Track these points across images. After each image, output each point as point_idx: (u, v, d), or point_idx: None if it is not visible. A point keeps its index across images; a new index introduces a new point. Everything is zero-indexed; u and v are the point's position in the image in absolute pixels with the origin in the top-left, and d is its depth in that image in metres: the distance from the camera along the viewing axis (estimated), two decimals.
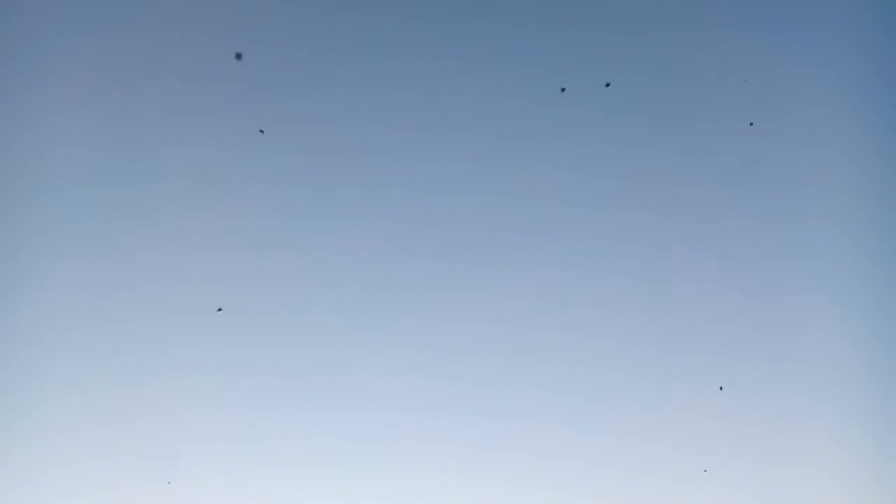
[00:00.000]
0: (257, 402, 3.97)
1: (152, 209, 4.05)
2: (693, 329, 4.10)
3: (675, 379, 4.05)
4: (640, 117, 4.27)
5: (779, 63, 4.27)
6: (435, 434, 3.99)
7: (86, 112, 4.07)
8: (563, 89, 3.66)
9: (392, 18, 4.25)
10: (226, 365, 3.97)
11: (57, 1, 4.10)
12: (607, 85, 3.55)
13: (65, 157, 4.03)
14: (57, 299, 3.93)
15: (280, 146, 4.15)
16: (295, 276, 4.08)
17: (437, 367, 4.05)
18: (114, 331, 3.93)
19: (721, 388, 3.89)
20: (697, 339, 4.09)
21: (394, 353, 4.06)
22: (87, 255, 3.97)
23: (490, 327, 4.10)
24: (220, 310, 3.81)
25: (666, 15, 4.31)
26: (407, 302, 4.10)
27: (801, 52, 4.27)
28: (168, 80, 4.13)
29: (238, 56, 3.59)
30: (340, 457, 3.95)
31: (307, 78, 4.21)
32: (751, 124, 3.96)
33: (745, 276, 4.15)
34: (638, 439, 3.99)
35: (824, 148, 4.20)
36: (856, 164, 4.16)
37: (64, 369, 3.87)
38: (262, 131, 3.79)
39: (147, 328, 3.96)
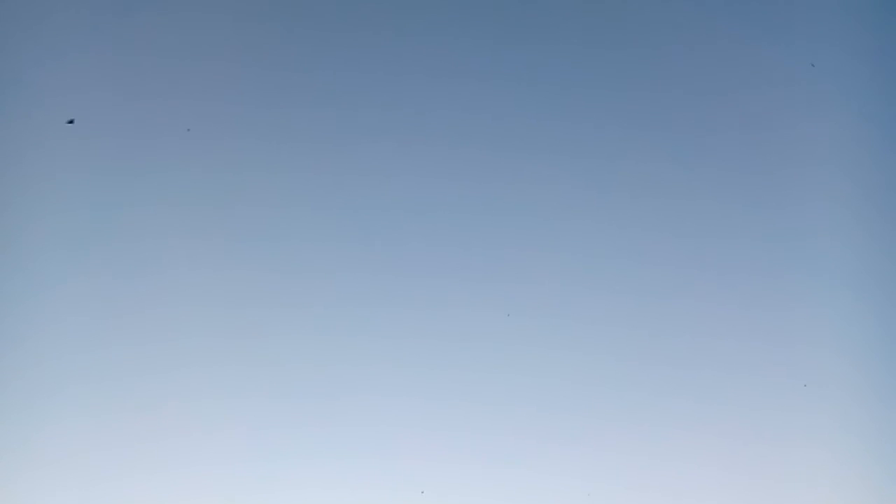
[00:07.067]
0: (264, 421, 3.97)
1: (159, 228, 4.06)
2: (690, 343, 4.11)
3: (671, 393, 4.06)
4: (637, 130, 4.29)
5: (782, 75, 4.30)
6: (431, 450, 4.00)
7: (90, 126, 4.08)
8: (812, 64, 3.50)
9: (385, 33, 4.27)
10: (234, 383, 3.98)
11: (60, 19, 4.11)
12: (812, 65, 3.42)
13: (70, 171, 4.04)
14: (65, 317, 3.93)
15: (281, 165, 4.16)
16: (298, 295, 4.10)
17: (434, 383, 4.06)
18: (121, 351, 3.94)
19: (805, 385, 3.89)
20: (694, 353, 4.10)
21: (391, 370, 4.07)
22: (96, 271, 3.98)
23: (493, 319, 4.12)
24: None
25: (667, 26, 4.33)
26: (404, 317, 4.12)
27: (804, 63, 4.30)
28: (172, 96, 4.15)
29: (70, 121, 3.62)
30: (346, 475, 3.96)
31: (304, 95, 4.22)
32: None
33: (744, 290, 4.17)
34: (632, 454, 4.00)
35: (826, 161, 4.22)
36: (858, 177, 4.19)
37: (70, 391, 3.88)
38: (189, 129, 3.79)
39: (152, 346, 3.96)
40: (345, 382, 4.02)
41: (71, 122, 3.59)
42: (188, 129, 4.06)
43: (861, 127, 4.22)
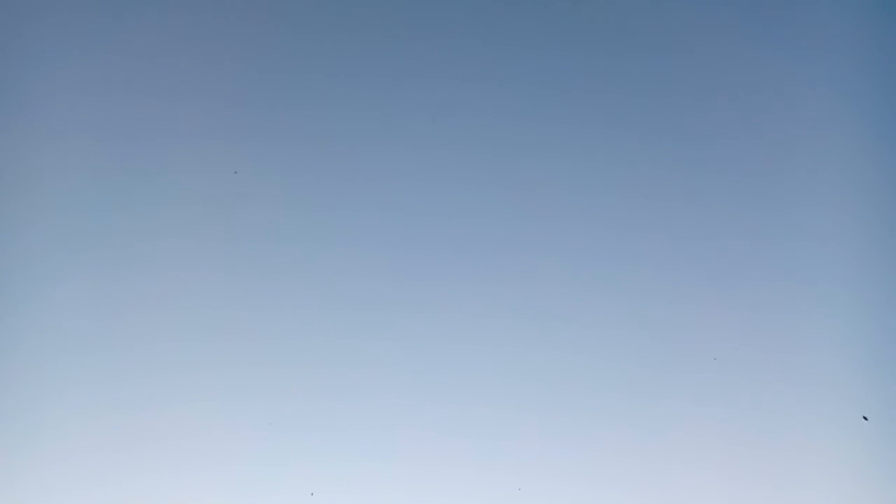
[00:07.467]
0: (261, 421, 3.98)
1: (153, 204, 4.08)
2: (691, 346, 4.10)
3: (673, 396, 4.05)
4: (637, 132, 4.29)
5: (781, 76, 4.29)
6: (433, 453, 4.00)
7: (88, 119, 4.11)
8: None
9: (388, 36, 4.29)
10: (230, 384, 3.99)
11: (59, 16, 4.15)
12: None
13: (67, 166, 4.07)
14: (60, 319, 3.96)
15: (279, 165, 4.18)
16: (296, 296, 4.11)
17: (436, 386, 4.06)
18: (118, 351, 3.96)
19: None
20: (696, 355, 4.09)
21: (392, 373, 4.07)
22: (92, 270, 4.01)
23: (493, 320, 4.11)
24: None
25: (666, 29, 4.34)
26: (405, 321, 4.12)
27: (804, 65, 4.29)
28: (171, 70, 4.17)
29: None
30: (340, 474, 3.96)
31: (304, 96, 4.24)
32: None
33: (746, 292, 4.15)
34: (634, 457, 3.98)
35: (826, 162, 4.21)
36: (857, 179, 4.17)
37: (67, 393, 3.90)
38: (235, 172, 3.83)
39: (149, 348, 3.98)
40: (344, 385, 4.02)
41: None
42: (235, 172, 4.09)
43: (863, 130, 4.21)
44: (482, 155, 4.25)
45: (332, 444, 3.95)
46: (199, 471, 3.86)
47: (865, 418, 3.87)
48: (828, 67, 4.25)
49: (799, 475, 3.90)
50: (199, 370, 3.95)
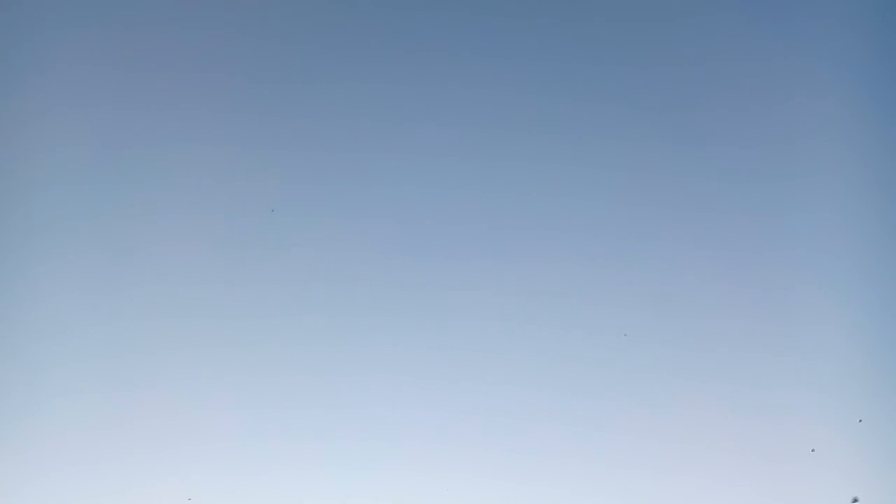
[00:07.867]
0: (258, 402, 4.00)
1: (152, 208, 4.08)
2: (694, 324, 4.11)
3: (676, 375, 4.06)
4: (638, 110, 4.27)
5: (783, 57, 4.27)
6: (436, 434, 4.02)
7: (86, 108, 4.09)
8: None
9: (387, 11, 4.25)
10: (227, 365, 4.01)
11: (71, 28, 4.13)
12: None
13: (64, 154, 4.06)
14: (55, 299, 3.97)
15: (278, 142, 4.17)
16: (293, 275, 4.11)
17: (437, 365, 4.08)
18: (113, 331, 3.97)
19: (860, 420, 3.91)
20: (699, 334, 4.10)
21: (393, 351, 4.09)
22: (86, 254, 4.01)
23: (488, 324, 4.12)
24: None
25: (668, 6, 4.30)
26: (405, 299, 4.13)
27: (805, 44, 4.26)
28: (169, 74, 4.16)
29: None
30: (341, 457, 3.99)
31: (303, 73, 4.22)
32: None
33: (748, 271, 4.16)
34: (638, 436, 4.01)
35: (828, 142, 4.19)
36: (860, 158, 4.16)
37: (61, 371, 3.91)
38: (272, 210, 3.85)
39: (146, 328, 4.00)
40: (353, 366, 4.04)
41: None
42: (272, 210, 4.08)
43: (867, 113, 4.19)
44: (486, 133, 4.23)
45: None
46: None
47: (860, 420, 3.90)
48: (836, 49, 4.22)
49: (797, 479, 3.92)
50: (194, 374, 3.98)
